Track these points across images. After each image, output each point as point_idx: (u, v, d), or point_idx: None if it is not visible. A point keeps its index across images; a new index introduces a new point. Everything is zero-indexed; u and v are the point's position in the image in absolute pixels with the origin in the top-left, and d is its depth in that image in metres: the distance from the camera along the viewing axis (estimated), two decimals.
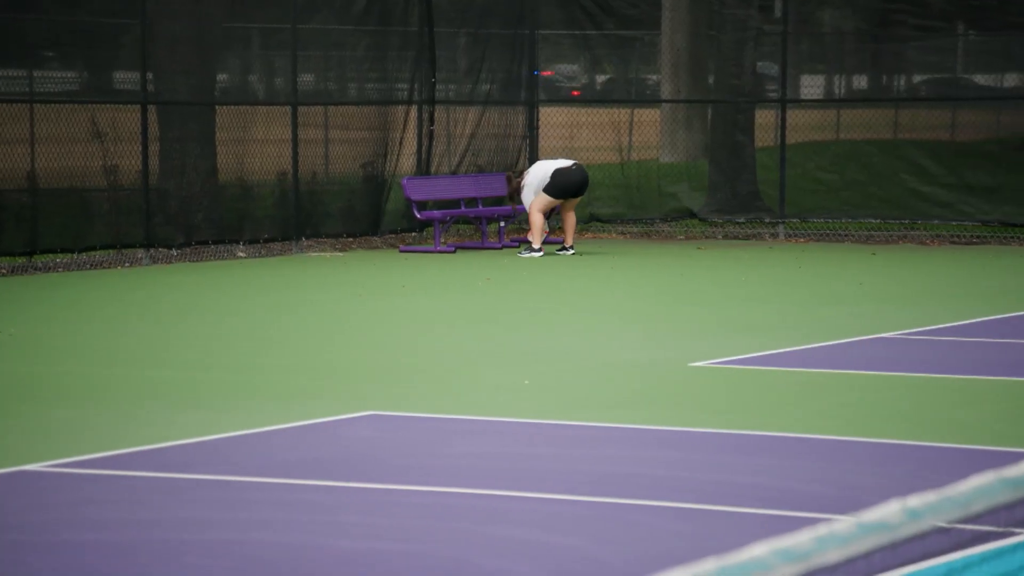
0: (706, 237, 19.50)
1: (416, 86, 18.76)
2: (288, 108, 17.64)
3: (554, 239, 17.71)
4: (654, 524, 6.20)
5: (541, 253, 16.84)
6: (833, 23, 20.81)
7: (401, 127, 18.68)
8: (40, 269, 15.30)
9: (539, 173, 17.02)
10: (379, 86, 18.75)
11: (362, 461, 7.24)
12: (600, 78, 21.27)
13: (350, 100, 18.60)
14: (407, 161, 18.67)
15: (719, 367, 9.90)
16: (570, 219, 17.20)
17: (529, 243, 17.01)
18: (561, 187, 16.92)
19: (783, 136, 19.33)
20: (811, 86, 20.43)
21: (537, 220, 16.89)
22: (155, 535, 5.95)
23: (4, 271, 15.01)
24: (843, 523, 2.66)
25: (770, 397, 8.99)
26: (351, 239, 18.28)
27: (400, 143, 18.62)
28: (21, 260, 15.31)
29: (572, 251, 17.09)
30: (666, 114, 20.89)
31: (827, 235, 19.24)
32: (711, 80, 20.50)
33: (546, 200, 16.90)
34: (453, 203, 18.27)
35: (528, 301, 13.64)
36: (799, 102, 19.81)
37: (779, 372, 9.84)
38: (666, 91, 20.74)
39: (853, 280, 15.08)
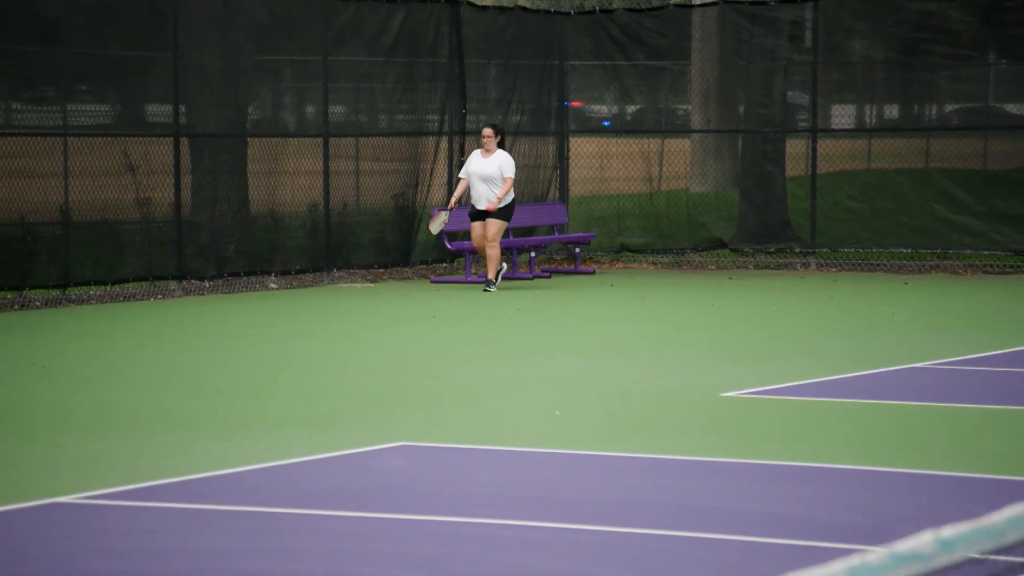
0: (737, 267, 19.46)
1: (446, 117, 18.81)
2: (319, 140, 17.70)
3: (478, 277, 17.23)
4: (683, 554, 6.17)
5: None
6: (863, 53, 20.78)
7: (432, 158, 18.73)
8: (73, 301, 15.38)
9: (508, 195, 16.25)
10: (410, 117, 18.81)
11: (391, 491, 7.23)
12: (630, 108, 21.28)
13: (381, 132, 18.66)
14: (438, 192, 18.71)
15: (751, 397, 9.86)
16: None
17: (493, 280, 16.21)
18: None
19: (814, 166, 19.29)
20: (841, 116, 20.39)
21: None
22: (181, 565, 5.95)
23: (38, 303, 15.09)
24: (876, 554, 2.63)
25: (801, 427, 8.94)
26: (382, 270, 18.31)
27: (431, 174, 18.66)
28: (55, 292, 15.39)
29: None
30: (696, 144, 20.88)
31: (858, 265, 19.17)
32: (741, 110, 20.49)
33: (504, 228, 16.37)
34: None
35: (559, 331, 13.63)
36: (830, 132, 19.78)
37: (810, 402, 9.79)
38: (696, 121, 20.74)
39: (885, 310, 15.01)
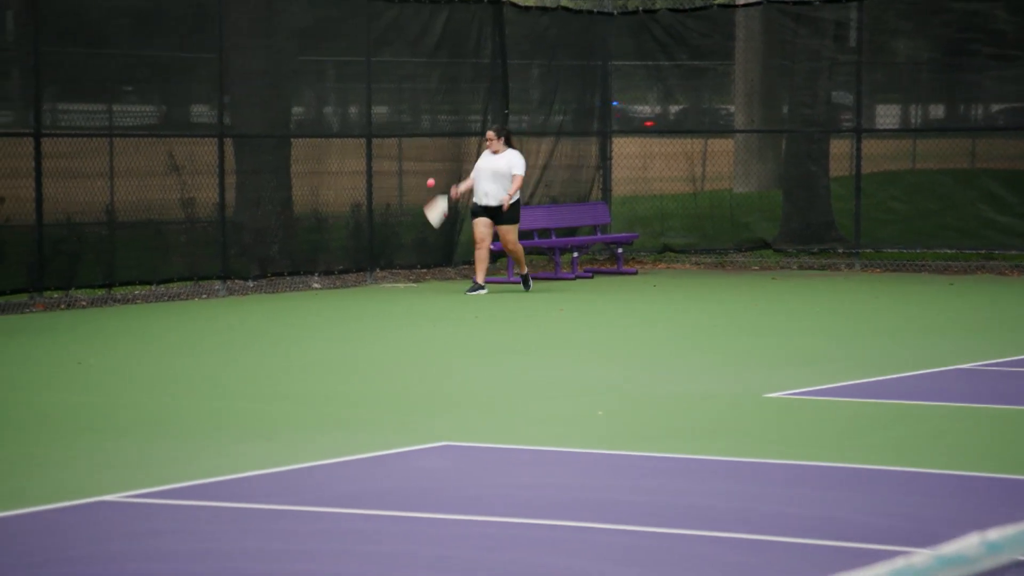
0: (780, 267, 19.38)
1: (489, 118, 18.81)
2: (362, 140, 17.75)
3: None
4: (724, 557, 6.14)
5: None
6: (908, 52, 20.65)
7: (474, 158, 18.73)
8: (118, 301, 15.47)
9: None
10: (452, 118, 18.83)
11: (432, 492, 7.23)
12: (673, 108, 21.24)
13: (423, 132, 18.69)
14: None
15: (794, 398, 9.81)
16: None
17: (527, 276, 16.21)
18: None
19: (859, 166, 19.19)
20: (886, 116, 20.27)
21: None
22: (223, 566, 5.97)
23: (83, 303, 15.19)
24: (921, 556, 2.61)
25: (845, 429, 8.89)
26: (425, 270, 18.33)
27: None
28: (100, 292, 15.48)
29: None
30: (739, 144, 20.81)
31: (903, 266, 19.05)
32: (785, 110, 20.41)
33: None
34: (526, 234, 18.28)
35: (601, 332, 13.61)
36: (874, 132, 19.67)
37: (854, 403, 9.74)
38: (739, 121, 20.67)
39: (930, 311, 14.91)
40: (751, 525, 6.55)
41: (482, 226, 15.92)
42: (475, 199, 16.06)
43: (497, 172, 15.88)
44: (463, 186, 16.28)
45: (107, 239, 15.62)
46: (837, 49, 19.73)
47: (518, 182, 15.96)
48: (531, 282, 16.28)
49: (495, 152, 15.97)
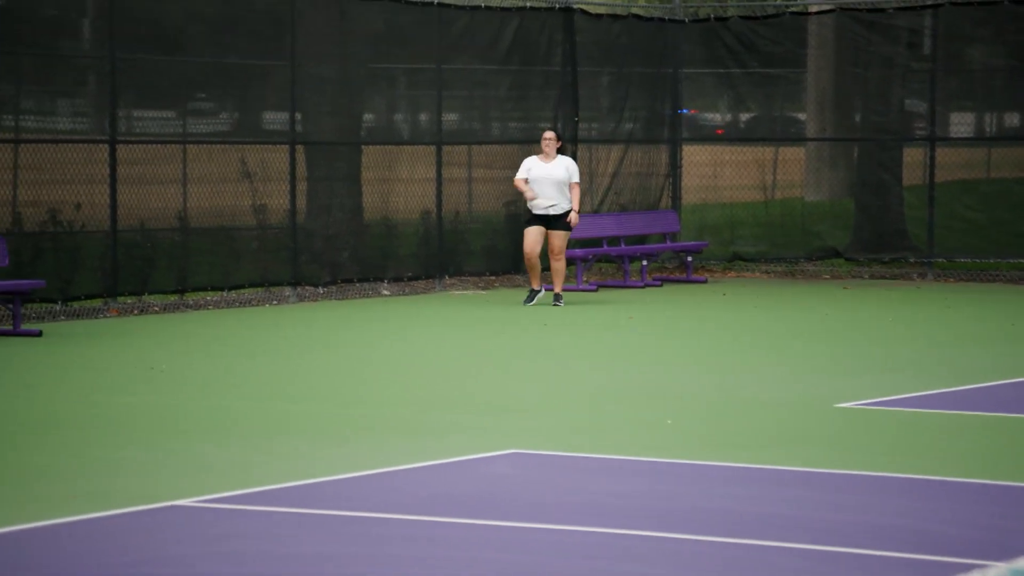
0: (852, 276, 19.24)
1: (559, 125, 18.82)
2: (433, 147, 17.81)
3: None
4: (794, 567, 6.10)
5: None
6: (983, 60, 20.45)
7: None
8: (191, 307, 15.60)
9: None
10: (522, 125, 18.85)
11: (500, 498, 7.24)
12: (744, 116, 21.14)
13: (493, 139, 18.72)
14: None
15: (866, 408, 9.73)
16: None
17: (560, 294, 15.64)
18: None
19: (932, 175, 19.02)
20: (960, 124, 20.08)
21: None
22: (294, 570, 6.01)
23: (156, 308, 15.33)
24: (996, 569, 2.59)
25: (917, 439, 8.81)
26: (494, 277, 18.35)
27: None
28: (172, 298, 15.63)
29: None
30: (811, 152, 20.69)
31: (976, 275, 18.86)
32: (857, 118, 20.26)
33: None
34: (595, 242, 18.26)
35: (671, 340, 13.56)
36: (948, 140, 19.49)
37: (927, 414, 9.65)
38: (811, 129, 20.54)
39: (1004, 321, 14.74)
40: (820, 535, 6.51)
41: (536, 234, 15.51)
42: (531, 207, 15.60)
43: (558, 181, 15.46)
44: (524, 189, 15.57)
45: (180, 245, 15.76)
46: (911, 56, 19.57)
47: (578, 191, 15.70)
48: (561, 301, 15.59)
49: (548, 156, 15.51)
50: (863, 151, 19.97)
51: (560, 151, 15.80)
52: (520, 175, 15.67)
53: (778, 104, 20.70)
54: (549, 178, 15.50)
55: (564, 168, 15.54)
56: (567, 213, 15.51)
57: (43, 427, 9.11)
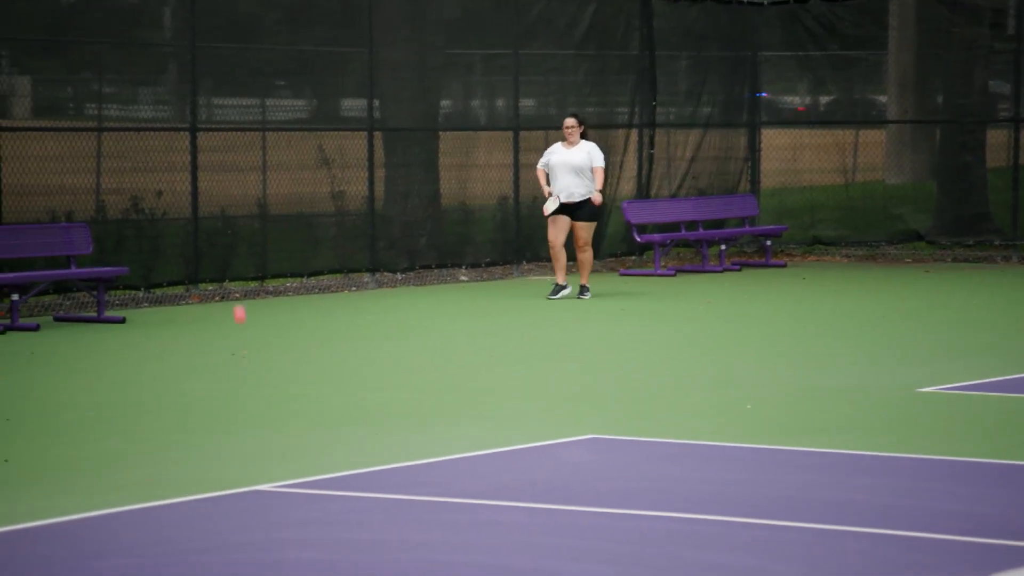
0: (934, 260, 19.03)
1: (636, 109, 18.74)
2: (509, 133, 17.80)
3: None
4: (879, 553, 6.05)
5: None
6: None
7: (621, 151, 18.69)
8: (271, 293, 15.72)
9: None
10: (599, 110, 18.80)
11: (578, 484, 7.24)
12: (823, 99, 20.95)
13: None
14: (627, 185, 18.66)
15: (948, 393, 9.63)
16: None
17: (587, 286, 15.03)
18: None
19: (1016, 156, 18.75)
20: None
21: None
22: (374, 556, 6.04)
23: (237, 295, 15.46)
24: None
25: (1000, 424, 8.70)
26: (571, 263, 18.33)
27: (620, 167, 18.63)
28: (253, 284, 15.75)
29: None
30: (892, 135, 20.46)
31: None
32: (939, 100, 20.02)
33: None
34: (673, 226, 18.19)
35: (750, 325, 13.48)
36: None
37: (1011, 399, 9.52)
38: (892, 111, 20.32)
39: None
40: (902, 521, 6.44)
41: (561, 222, 14.76)
42: (546, 207, 14.86)
43: (577, 166, 14.70)
44: (544, 181, 14.89)
45: (259, 232, 15.88)
46: (994, 37, 19.28)
47: (601, 175, 14.78)
48: (588, 292, 14.96)
49: (571, 143, 14.80)
50: (945, 133, 19.72)
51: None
52: (541, 161, 15.10)
53: (858, 86, 20.48)
54: (567, 164, 14.75)
55: (585, 153, 14.77)
56: (589, 201, 14.74)
57: (126, 413, 9.22)
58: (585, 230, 14.89)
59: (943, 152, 19.86)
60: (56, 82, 15.79)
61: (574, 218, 14.87)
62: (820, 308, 14.73)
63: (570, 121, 14.97)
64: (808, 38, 19.72)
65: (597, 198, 14.84)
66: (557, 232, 14.93)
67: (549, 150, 15.17)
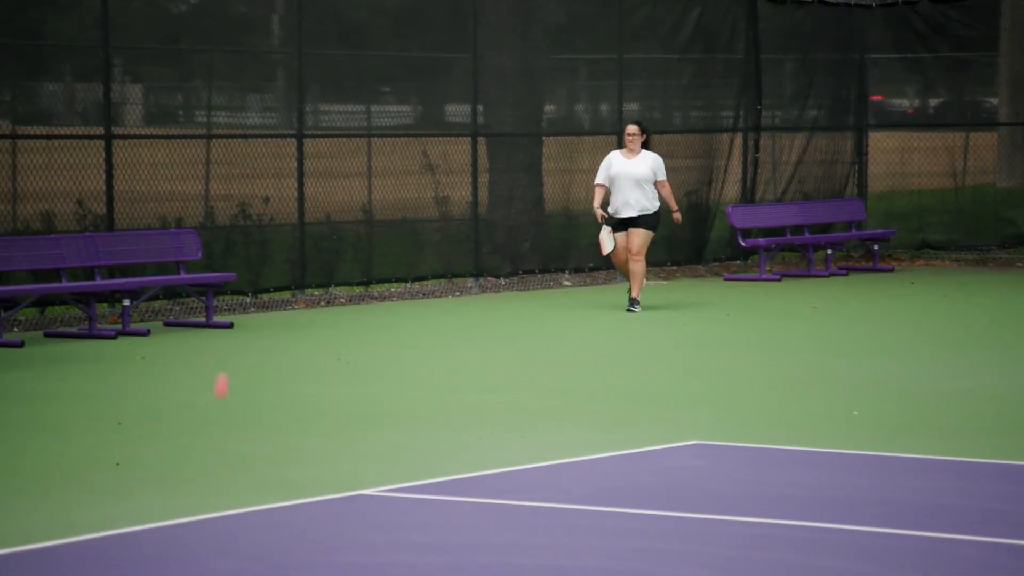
0: None
1: (741, 113, 18.62)
2: (613, 138, 17.77)
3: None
4: (988, 560, 5.95)
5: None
6: None
7: (726, 155, 18.57)
8: (375, 298, 15.83)
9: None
10: (704, 114, 18.70)
11: (683, 489, 7.20)
12: (932, 101, 20.67)
13: (675, 128, 18.61)
14: (732, 189, 18.54)
15: None
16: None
17: (636, 299, 14.17)
18: None
19: None
20: None
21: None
22: (480, 559, 6.05)
23: (342, 300, 15.59)
24: None
25: None
26: (675, 267, 18.25)
27: (725, 171, 18.51)
28: (358, 290, 15.87)
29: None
30: (1004, 137, 20.14)
31: None
32: None
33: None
34: (778, 231, 18.04)
35: (857, 328, 13.33)
36: None
37: None
38: (1004, 114, 19.99)
39: None
40: (1014, 528, 6.33)
41: (622, 242, 13.95)
42: (612, 210, 14.00)
43: (640, 178, 13.86)
44: (598, 202, 13.98)
45: (364, 238, 16.00)
46: None
47: (669, 189, 14.06)
48: (638, 306, 14.10)
49: (631, 151, 13.91)
50: None
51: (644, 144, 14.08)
52: (600, 176, 14.10)
53: (968, 88, 20.19)
54: (629, 175, 13.87)
55: (648, 166, 13.89)
56: (649, 213, 13.93)
57: (237, 417, 9.33)
58: (641, 237, 13.93)
59: None
60: (167, 90, 16.04)
61: (633, 225, 13.98)
62: (929, 312, 14.53)
63: (632, 128, 14.06)
64: (917, 40, 19.47)
65: (677, 217, 14.27)
66: (617, 253, 14.11)
67: (607, 161, 14.12)
